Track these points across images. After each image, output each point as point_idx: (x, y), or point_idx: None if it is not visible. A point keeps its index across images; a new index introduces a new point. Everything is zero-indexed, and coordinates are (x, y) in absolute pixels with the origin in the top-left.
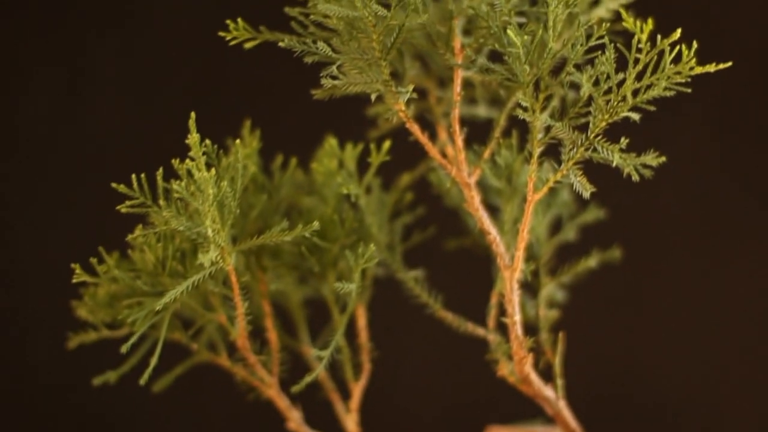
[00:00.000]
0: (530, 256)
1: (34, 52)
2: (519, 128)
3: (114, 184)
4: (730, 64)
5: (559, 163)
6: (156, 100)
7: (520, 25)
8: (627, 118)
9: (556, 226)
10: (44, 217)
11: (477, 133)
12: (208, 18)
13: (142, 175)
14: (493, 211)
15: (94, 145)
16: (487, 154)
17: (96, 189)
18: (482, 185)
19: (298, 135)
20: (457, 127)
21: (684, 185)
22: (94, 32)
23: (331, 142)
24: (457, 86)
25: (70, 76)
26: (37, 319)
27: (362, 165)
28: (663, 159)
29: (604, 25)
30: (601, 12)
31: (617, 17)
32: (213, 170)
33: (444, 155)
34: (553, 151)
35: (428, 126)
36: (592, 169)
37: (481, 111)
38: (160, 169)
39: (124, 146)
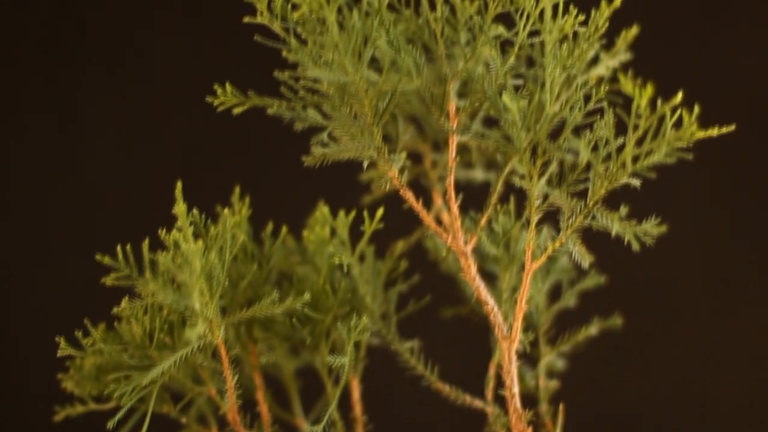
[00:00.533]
0: (529, 324)
1: (26, 109)
2: (517, 193)
3: (99, 257)
4: (733, 127)
5: (558, 228)
6: (143, 163)
7: (517, 88)
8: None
9: (556, 293)
10: (31, 285)
11: (474, 195)
12: (198, 78)
13: (128, 247)
14: (490, 278)
15: (82, 209)
16: (483, 221)
17: (84, 257)
18: (479, 251)
19: (290, 201)
20: (452, 193)
21: (686, 245)
22: (88, 95)
23: (323, 209)
24: (452, 152)
25: (60, 139)
26: (26, 390)
27: (356, 231)
28: (664, 228)
29: (603, 87)
30: (600, 70)
31: (617, 73)
32: (200, 242)
33: (440, 222)
34: (552, 216)
35: (423, 190)
36: (591, 231)
37: (478, 174)
38: (146, 240)
39: (112, 210)
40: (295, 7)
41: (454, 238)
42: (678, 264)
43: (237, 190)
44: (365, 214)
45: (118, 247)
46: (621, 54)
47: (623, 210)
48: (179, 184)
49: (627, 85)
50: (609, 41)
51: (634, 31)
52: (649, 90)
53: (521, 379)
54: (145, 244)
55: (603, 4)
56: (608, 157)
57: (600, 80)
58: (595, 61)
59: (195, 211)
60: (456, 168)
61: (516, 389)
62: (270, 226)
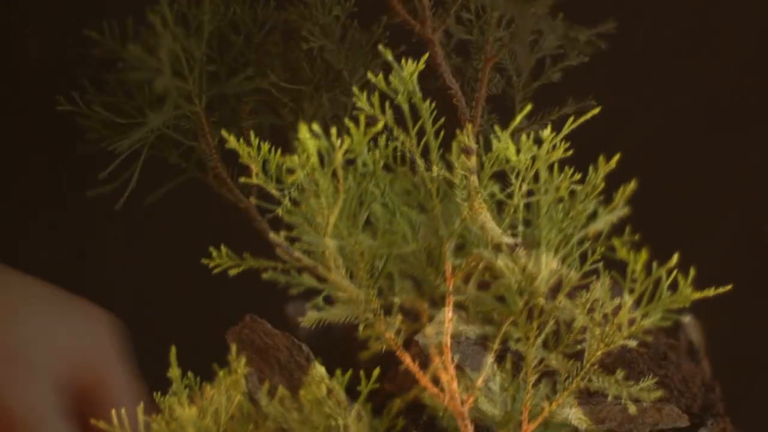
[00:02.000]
0: None
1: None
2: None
3: (93, 420)
4: (730, 287)
5: (556, 388)
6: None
7: (513, 247)
8: None
9: None
10: None
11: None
12: (192, 234)
13: (123, 410)
14: None
15: None
16: (480, 382)
17: None
18: (477, 410)
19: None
20: (449, 355)
21: None
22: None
23: (319, 368)
24: (449, 312)
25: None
26: None
27: (354, 388)
28: (660, 393)
29: (599, 249)
30: (598, 225)
31: (614, 229)
32: (194, 408)
33: (437, 381)
34: (551, 372)
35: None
36: None
37: (475, 330)
38: (141, 404)
39: None
40: (290, 171)
41: (452, 399)
42: None
43: (234, 347)
44: (362, 373)
45: (113, 411)
46: (619, 209)
47: (620, 373)
48: (173, 349)
49: (621, 251)
50: (607, 195)
51: (632, 186)
52: (644, 255)
53: None
54: (140, 408)
55: (601, 161)
56: (604, 319)
57: (598, 235)
58: (593, 216)
59: (189, 374)
60: (453, 324)
61: None
62: (266, 385)
